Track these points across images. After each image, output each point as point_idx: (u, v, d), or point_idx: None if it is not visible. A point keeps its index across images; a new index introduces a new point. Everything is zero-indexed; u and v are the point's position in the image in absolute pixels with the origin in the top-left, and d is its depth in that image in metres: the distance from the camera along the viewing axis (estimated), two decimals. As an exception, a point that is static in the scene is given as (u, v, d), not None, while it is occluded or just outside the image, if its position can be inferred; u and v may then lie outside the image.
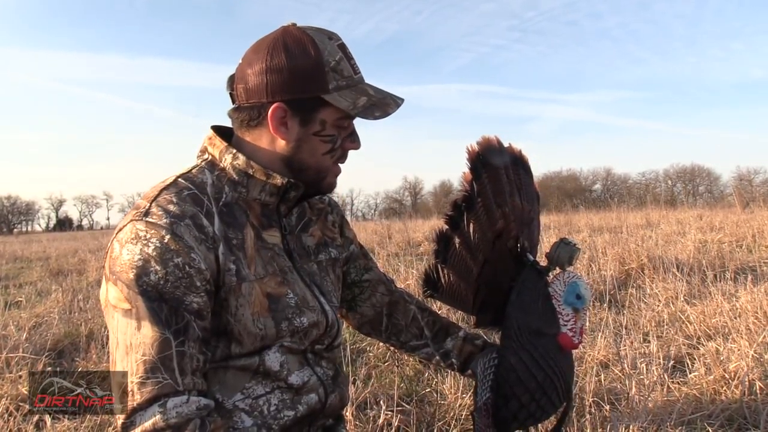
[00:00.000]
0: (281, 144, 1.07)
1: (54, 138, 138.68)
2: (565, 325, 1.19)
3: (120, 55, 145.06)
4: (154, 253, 0.93)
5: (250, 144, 1.09)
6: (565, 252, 1.20)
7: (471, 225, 1.17)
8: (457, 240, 1.19)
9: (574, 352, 1.26)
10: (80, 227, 71.28)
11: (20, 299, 5.27)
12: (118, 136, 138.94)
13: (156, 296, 0.92)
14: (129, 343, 0.92)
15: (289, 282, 1.09)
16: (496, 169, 1.19)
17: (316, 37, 1.03)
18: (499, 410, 1.18)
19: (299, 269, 1.13)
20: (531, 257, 1.23)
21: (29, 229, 73.00)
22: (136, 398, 0.90)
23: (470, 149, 1.18)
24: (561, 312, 1.19)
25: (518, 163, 1.26)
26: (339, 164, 1.11)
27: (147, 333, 0.91)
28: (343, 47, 1.05)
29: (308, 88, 1.02)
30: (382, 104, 1.05)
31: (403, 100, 1.08)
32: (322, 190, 1.13)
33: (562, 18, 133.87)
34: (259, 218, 1.09)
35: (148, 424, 0.88)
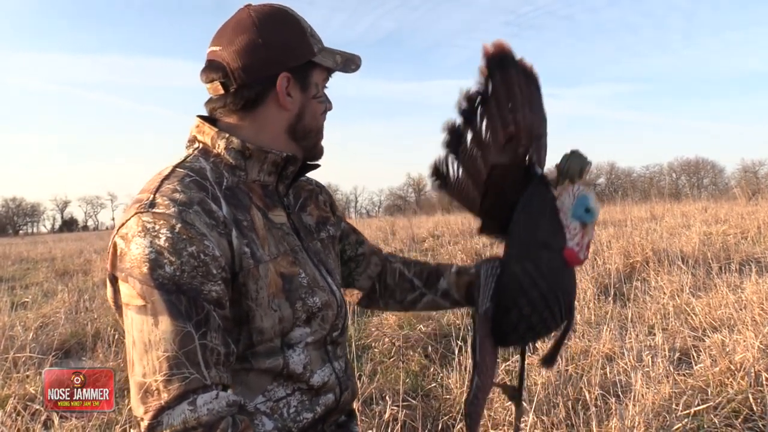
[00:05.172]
0: (285, 115, 1.08)
1: (56, 140, 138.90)
2: (572, 240, 1.14)
3: (118, 56, 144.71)
4: (166, 244, 0.90)
5: (250, 127, 1.07)
6: (576, 164, 1.16)
7: (483, 122, 1.14)
8: (468, 134, 1.15)
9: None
10: (85, 228, 71.48)
11: (27, 300, 5.29)
12: (120, 136, 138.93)
13: (173, 288, 0.89)
14: (147, 340, 0.88)
15: (300, 261, 1.07)
16: (510, 74, 1.16)
17: (287, 8, 1.09)
18: (499, 322, 1.14)
19: (307, 248, 1.13)
20: (539, 170, 1.20)
21: (35, 230, 73.30)
22: (163, 397, 0.85)
23: (486, 48, 1.14)
24: (568, 226, 1.15)
25: (530, 79, 1.23)
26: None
27: (166, 328, 0.87)
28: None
29: (302, 54, 1.07)
30: (353, 59, 1.15)
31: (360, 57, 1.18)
32: (317, 155, 1.17)
33: (557, 13, 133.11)
34: (263, 199, 1.07)
35: (177, 422, 0.84)
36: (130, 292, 0.90)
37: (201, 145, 1.08)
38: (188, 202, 0.94)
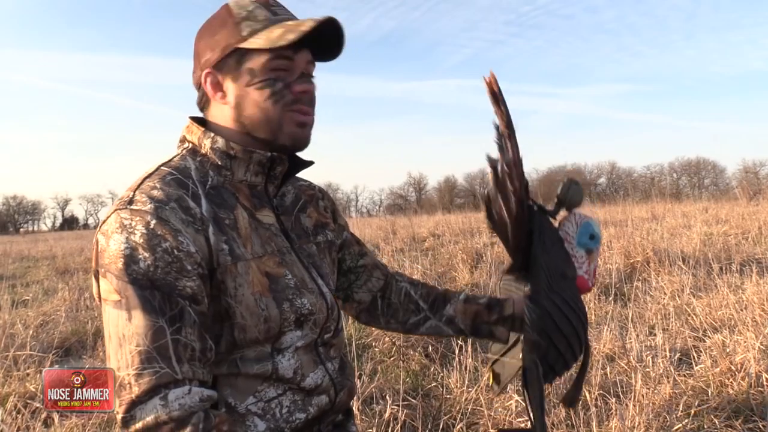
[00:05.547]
0: (226, 110, 1.07)
1: (57, 137, 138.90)
2: (581, 268, 1.16)
3: (120, 54, 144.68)
4: (141, 240, 0.91)
5: (212, 124, 1.10)
6: (577, 193, 1.18)
7: (510, 152, 1.12)
8: (499, 165, 1.13)
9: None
10: (86, 226, 71.35)
11: (27, 298, 5.29)
12: (121, 134, 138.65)
13: (147, 284, 0.91)
14: (121, 335, 0.90)
15: (287, 263, 1.07)
16: (506, 109, 1.17)
17: (228, 3, 1.07)
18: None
19: (297, 250, 1.12)
20: (537, 202, 1.21)
21: (35, 228, 73.24)
22: (134, 391, 0.87)
23: (488, 79, 1.12)
24: (575, 255, 1.17)
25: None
26: (298, 112, 1.05)
27: (139, 323, 0.89)
28: (264, 2, 1.06)
29: (224, 45, 1.04)
30: (296, 27, 1.01)
31: (331, 18, 1.03)
32: (289, 145, 1.07)
33: (558, 12, 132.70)
34: (250, 199, 1.07)
35: (150, 418, 0.86)
36: (107, 287, 0.92)
37: (190, 145, 1.09)
38: (165, 199, 0.96)
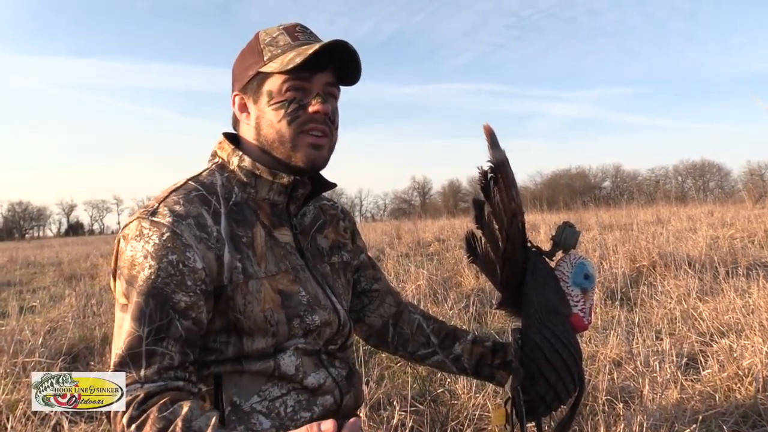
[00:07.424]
0: (250, 130, 1.13)
1: (62, 143, 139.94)
2: (576, 306, 1.21)
3: (126, 59, 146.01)
4: (152, 250, 0.97)
5: (243, 141, 1.16)
6: (572, 235, 1.23)
7: (497, 196, 1.17)
8: (487, 208, 1.19)
9: (585, 335, 1.27)
10: (91, 232, 71.69)
11: (34, 304, 5.32)
12: (126, 140, 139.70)
13: (145, 291, 0.96)
14: (116, 335, 0.98)
15: (301, 280, 1.11)
16: (503, 154, 1.20)
17: (262, 28, 1.15)
18: (527, 393, 1.17)
19: (312, 268, 1.15)
20: (533, 243, 1.25)
21: (41, 234, 73.57)
22: None
23: (486, 127, 1.17)
24: (570, 293, 1.21)
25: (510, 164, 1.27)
26: (311, 134, 1.08)
27: (125, 327, 0.95)
28: (290, 28, 1.13)
29: (249, 69, 1.12)
30: (305, 50, 1.05)
31: (339, 40, 1.06)
32: (304, 166, 1.10)
33: (559, 15, 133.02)
34: (270, 217, 1.12)
35: (112, 411, 0.93)
36: (120, 289, 0.99)
37: (220, 160, 1.15)
38: (184, 215, 1.01)
